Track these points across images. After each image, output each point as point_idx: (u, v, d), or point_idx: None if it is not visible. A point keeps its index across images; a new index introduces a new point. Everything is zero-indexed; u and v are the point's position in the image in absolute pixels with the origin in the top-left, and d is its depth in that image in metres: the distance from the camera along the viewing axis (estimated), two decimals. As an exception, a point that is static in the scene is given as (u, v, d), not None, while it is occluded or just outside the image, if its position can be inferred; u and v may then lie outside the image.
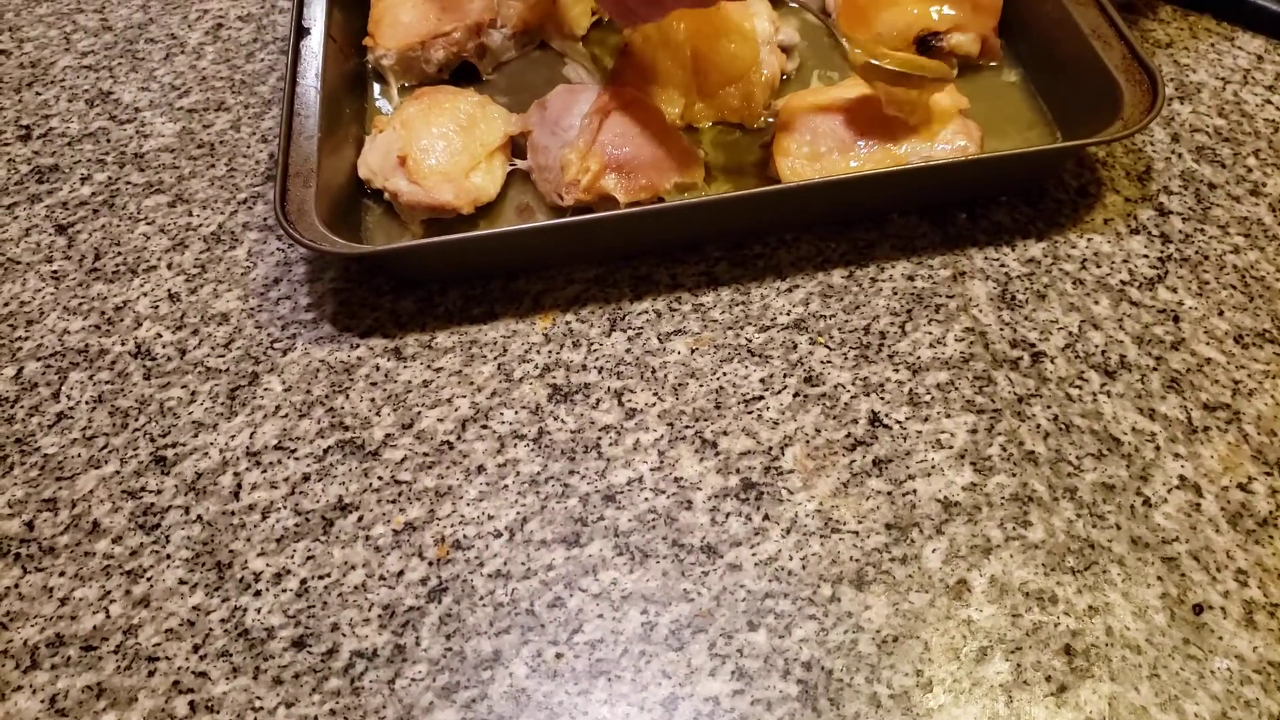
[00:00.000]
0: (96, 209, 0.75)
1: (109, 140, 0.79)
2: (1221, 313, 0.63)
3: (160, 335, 0.67)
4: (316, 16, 0.76)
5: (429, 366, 0.64)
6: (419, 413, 0.62)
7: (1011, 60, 0.77)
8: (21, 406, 0.64)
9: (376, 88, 0.80)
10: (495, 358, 0.64)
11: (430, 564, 0.55)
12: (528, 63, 0.82)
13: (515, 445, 0.60)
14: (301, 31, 0.75)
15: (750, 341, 0.64)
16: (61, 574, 0.56)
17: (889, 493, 0.56)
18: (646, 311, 0.66)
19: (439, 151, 0.69)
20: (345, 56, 0.78)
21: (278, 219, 0.62)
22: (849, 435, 0.59)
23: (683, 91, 0.75)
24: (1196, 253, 0.66)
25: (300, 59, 0.73)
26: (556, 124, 0.70)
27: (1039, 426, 0.59)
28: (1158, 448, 0.57)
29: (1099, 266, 0.66)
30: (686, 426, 0.60)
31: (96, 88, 0.84)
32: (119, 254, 0.72)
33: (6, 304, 0.69)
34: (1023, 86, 0.76)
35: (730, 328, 0.64)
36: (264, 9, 0.89)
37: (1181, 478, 0.56)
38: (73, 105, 0.82)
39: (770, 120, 0.75)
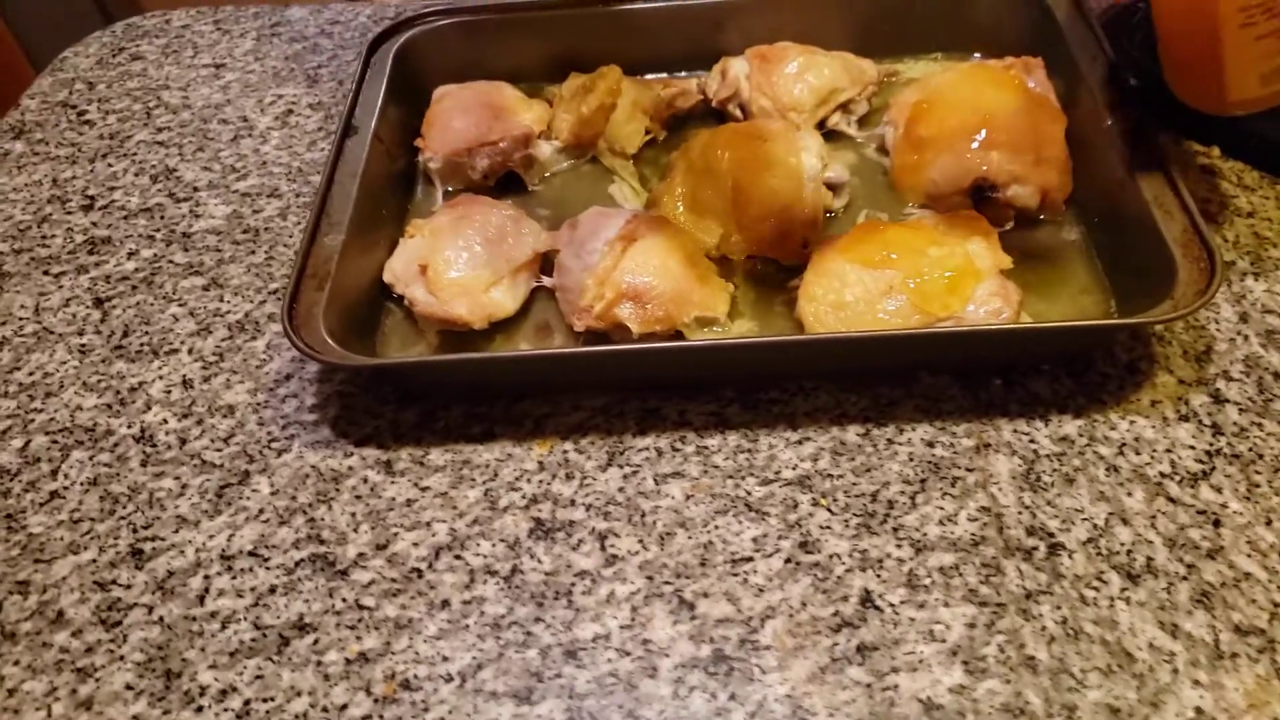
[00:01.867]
0: (135, 285, 0.76)
1: (163, 217, 0.82)
2: (1270, 522, 0.57)
3: (165, 421, 0.67)
4: (370, 115, 0.77)
5: (416, 484, 0.62)
6: (396, 533, 0.60)
7: (1074, 217, 0.73)
8: (20, 481, 0.65)
9: (422, 189, 0.81)
10: (484, 482, 0.62)
11: (376, 701, 0.53)
12: (576, 176, 0.81)
13: (485, 581, 0.57)
14: (349, 130, 0.76)
15: (749, 494, 0.60)
16: (15, 663, 0.56)
17: (868, 685, 0.52)
18: (648, 449, 0.63)
19: (461, 263, 0.68)
20: (393, 157, 0.78)
21: (282, 321, 0.62)
22: (836, 614, 0.55)
23: (721, 222, 0.73)
24: (1250, 450, 0.60)
25: (342, 158, 0.73)
26: (582, 246, 0.69)
27: (1044, 629, 0.53)
28: (1175, 670, 0.52)
29: (1138, 454, 0.60)
30: (666, 582, 0.57)
31: (164, 164, 0.86)
32: (146, 333, 0.73)
33: (31, 374, 0.71)
34: (1082, 246, 0.71)
35: (731, 476, 0.61)
36: (335, 98, 0.92)
37: (1198, 710, 0.50)
38: (138, 180, 0.85)
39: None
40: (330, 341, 0.61)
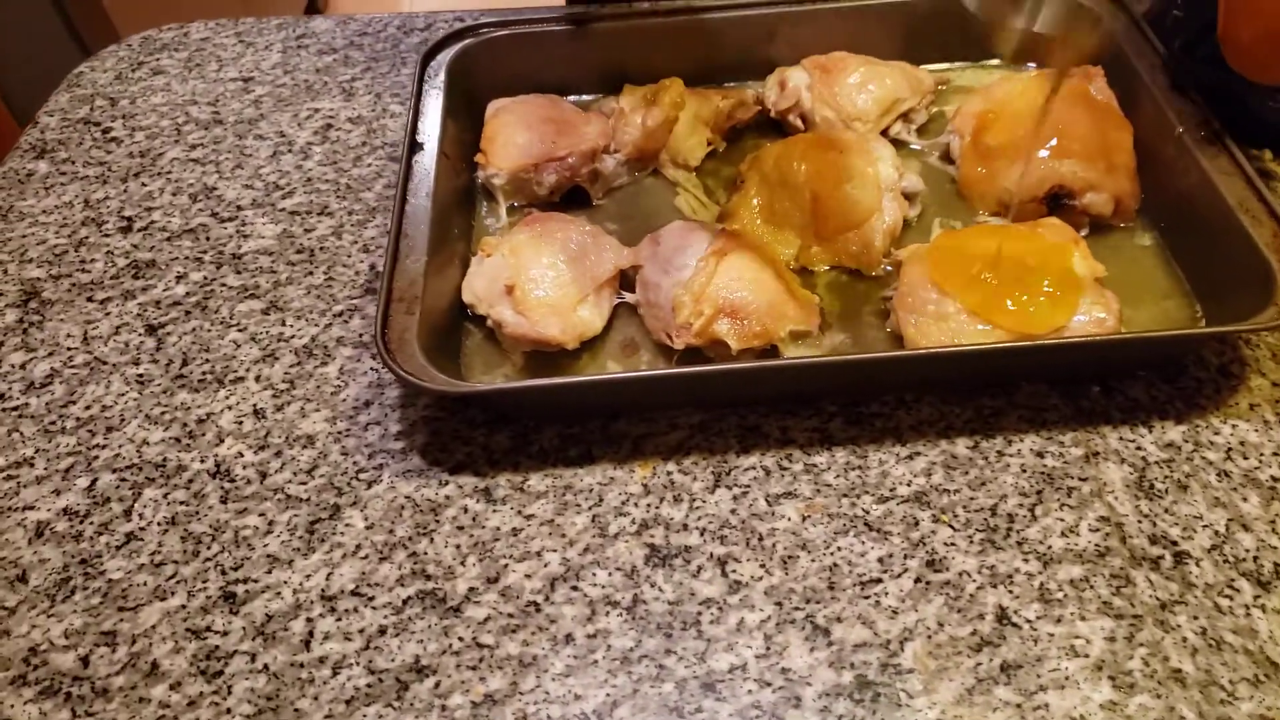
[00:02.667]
0: (189, 310, 0.73)
1: (208, 238, 0.78)
2: (1388, 524, 0.58)
3: (241, 454, 0.64)
4: (430, 131, 0.75)
5: (519, 512, 0.60)
6: (506, 565, 0.58)
7: (1146, 222, 0.73)
8: (91, 523, 0.61)
9: (483, 204, 0.78)
10: (590, 507, 0.60)
11: (512, 743, 0.51)
12: (639, 189, 0.80)
13: (608, 614, 0.56)
14: (415, 146, 0.73)
15: (868, 513, 0.59)
16: (115, 720, 0.53)
17: (1019, 704, 0.51)
18: (754, 468, 0.62)
19: (547, 282, 0.66)
20: (456, 172, 0.76)
21: (378, 349, 0.59)
22: (974, 633, 0.54)
23: (799, 234, 0.72)
24: (1355, 451, 0.61)
25: (412, 175, 0.71)
26: (670, 261, 0.67)
27: (1185, 640, 0.53)
28: (1322, 678, 0.52)
29: (1246, 458, 0.61)
30: (796, 608, 0.55)
31: (201, 182, 0.83)
32: (207, 361, 0.69)
33: (89, 407, 0.67)
34: (1157, 251, 0.72)
35: (845, 495, 0.60)
36: (375, 112, 0.89)
37: (1351, 717, 0.50)
38: (176, 199, 0.81)
39: (889, 268, 0.71)
40: (430, 368, 0.59)
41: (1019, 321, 0.62)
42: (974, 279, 0.64)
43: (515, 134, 0.76)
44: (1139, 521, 0.58)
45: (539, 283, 0.66)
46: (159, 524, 0.61)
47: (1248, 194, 0.67)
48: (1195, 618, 0.54)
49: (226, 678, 0.54)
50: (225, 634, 0.56)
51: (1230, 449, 0.61)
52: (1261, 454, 0.61)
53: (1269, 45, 0.66)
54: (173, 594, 0.58)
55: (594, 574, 0.57)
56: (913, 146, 0.81)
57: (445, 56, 0.81)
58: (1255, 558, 0.56)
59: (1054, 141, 0.73)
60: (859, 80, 0.79)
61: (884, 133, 0.80)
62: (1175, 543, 0.57)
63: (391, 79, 0.91)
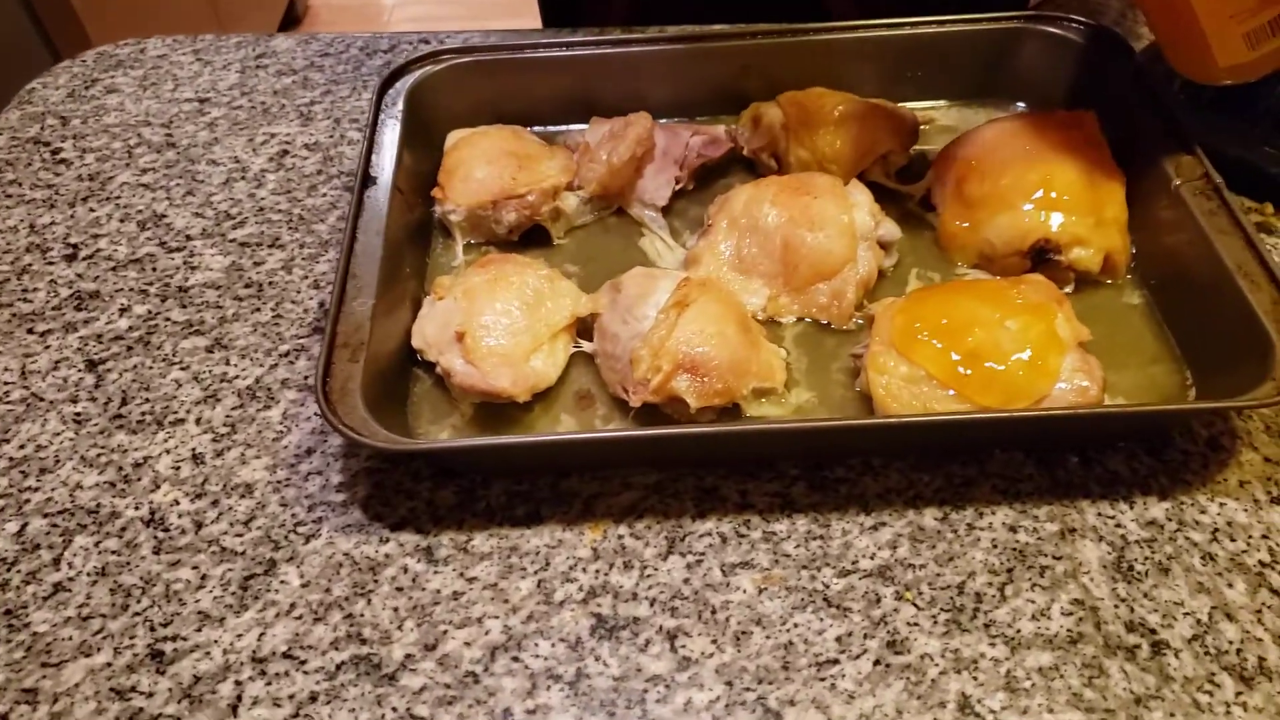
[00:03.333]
0: (131, 346, 0.70)
1: (155, 269, 0.75)
2: (1377, 616, 0.54)
3: (177, 502, 0.61)
4: (384, 163, 0.72)
5: (462, 575, 0.57)
6: (445, 631, 0.55)
7: (1136, 280, 0.70)
8: (18, 571, 0.58)
9: (440, 240, 0.75)
10: (536, 571, 0.57)
11: (437, 833, 0.48)
12: (603, 229, 0.77)
13: (549, 688, 0.52)
14: (368, 180, 0.70)
15: (828, 587, 0.56)
16: (22, 793, 0.49)
17: (979, 805, 0.48)
18: (710, 534, 0.59)
19: (500, 330, 0.63)
20: (410, 206, 0.73)
21: (318, 399, 0.56)
22: (935, 723, 0.51)
23: (768, 283, 0.69)
24: (1345, 534, 0.58)
25: (364, 211, 0.68)
26: (630, 310, 0.64)
27: (1160, 738, 0.50)
28: (1304, 785, 0.48)
29: (1233, 540, 0.58)
30: (748, 688, 0.52)
31: (151, 209, 0.80)
32: (147, 400, 0.66)
33: (22, 446, 0.64)
34: (1147, 311, 0.68)
35: (805, 567, 0.57)
36: (333, 138, 0.86)
37: (1333, 829, 0.47)
38: (124, 226, 0.78)
39: (860, 322, 0.68)
40: (372, 422, 0.56)
41: (992, 397, 0.59)
42: (942, 351, 0.61)
43: (474, 168, 0.73)
44: (1115, 606, 0.55)
45: (491, 330, 0.63)
46: (88, 574, 0.58)
47: (1246, 255, 0.63)
48: (1172, 715, 0.51)
49: (144, 747, 0.51)
50: (150, 695, 0.53)
51: (1217, 530, 0.58)
52: (1250, 536, 0.58)
53: (1174, 46, 0.66)
54: (99, 650, 0.54)
55: (537, 644, 0.54)
56: (892, 191, 0.78)
57: (405, 83, 0.78)
58: (1239, 650, 0.53)
59: (1039, 193, 0.70)
60: (836, 119, 0.76)
61: (861, 176, 0.77)
62: (1153, 631, 0.54)
63: (351, 103, 0.88)
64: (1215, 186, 0.67)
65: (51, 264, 0.75)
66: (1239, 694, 0.51)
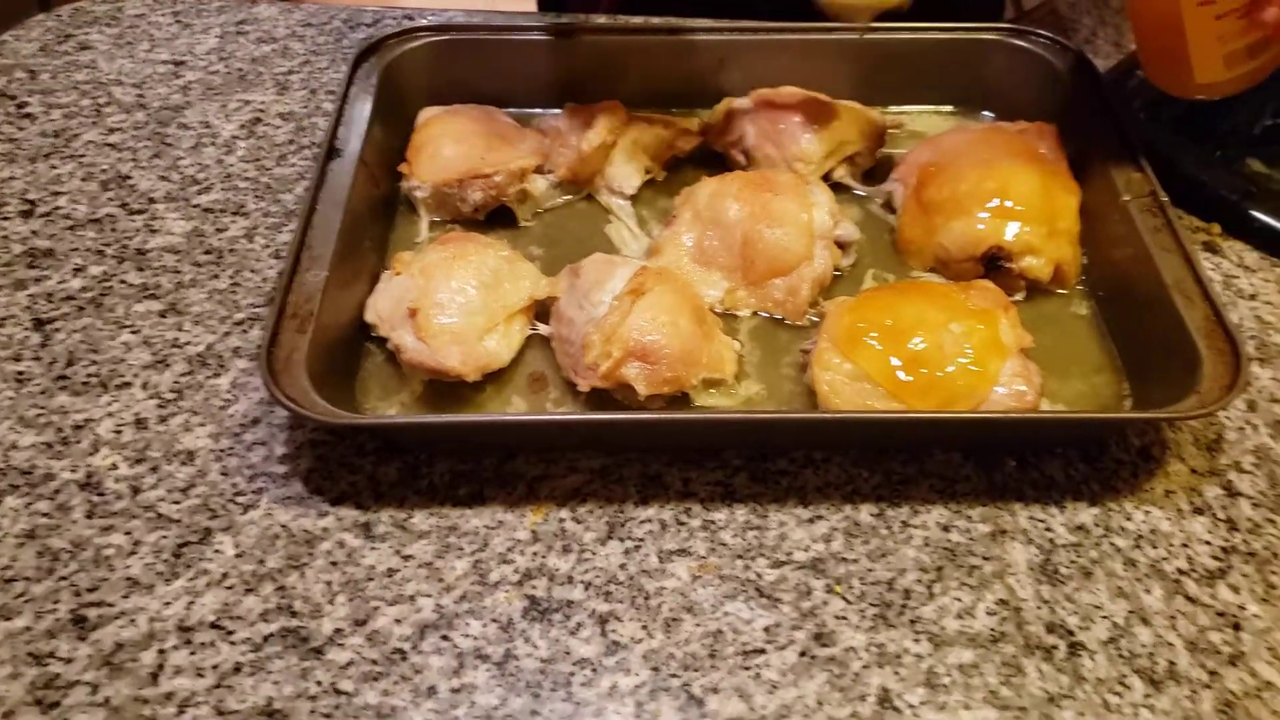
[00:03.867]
0: (82, 306, 0.69)
1: (114, 230, 0.75)
2: (1291, 629, 0.56)
3: (116, 467, 0.61)
4: (354, 136, 0.72)
5: (398, 552, 0.57)
6: (376, 608, 0.55)
7: (1085, 291, 0.71)
8: (-55, 530, 0.58)
9: (405, 217, 0.75)
10: (473, 552, 0.58)
11: (356, 802, 0.48)
12: (570, 213, 0.77)
13: (476, 667, 0.53)
14: (332, 152, 0.70)
15: (760, 578, 0.57)
16: (-61, 750, 0.50)
17: (891, 797, 0.49)
18: (651, 520, 0.59)
19: (454, 308, 0.63)
20: (376, 181, 0.73)
21: (261, 368, 0.56)
22: (854, 715, 0.52)
23: (727, 275, 0.70)
24: (1265, 548, 0.59)
25: (326, 183, 0.68)
26: (586, 296, 0.65)
27: (1071, 739, 0.51)
28: (1207, 791, 0.50)
29: (1155, 547, 0.59)
30: (673, 675, 0.53)
31: (115, 169, 0.79)
32: (94, 363, 0.66)
33: (-38, 403, 0.64)
34: (1092, 322, 0.70)
35: (740, 556, 0.58)
36: (307, 109, 0.85)
37: (1231, 835, 0.48)
38: (85, 185, 0.78)
39: (815, 320, 0.69)
40: (314, 394, 0.56)
41: (930, 402, 0.60)
42: (882, 355, 0.61)
43: (443, 146, 0.73)
44: (1038, 607, 0.56)
45: (445, 308, 0.63)
46: (16, 537, 0.58)
47: (1185, 272, 0.65)
48: (1082, 714, 0.52)
49: (63, 709, 0.51)
50: (69, 661, 0.53)
51: (1140, 536, 0.59)
52: (1171, 544, 0.59)
53: (1154, 60, 0.69)
54: (19, 614, 0.54)
55: (468, 624, 0.55)
56: (856, 192, 0.79)
57: (382, 58, 0.78)
58: (1150, 654, 0.54)
59: (995, 201, 0.70)
60: (804, 119, 0.77)
61: (828, 176, 0.78)
62: (1071, 632, 0.55)
63: (330, 75, 0.88)
64: (1161, 204, 0.68)
65: (6, 219, 0.75)
66: (1147, 696, 0.53)
